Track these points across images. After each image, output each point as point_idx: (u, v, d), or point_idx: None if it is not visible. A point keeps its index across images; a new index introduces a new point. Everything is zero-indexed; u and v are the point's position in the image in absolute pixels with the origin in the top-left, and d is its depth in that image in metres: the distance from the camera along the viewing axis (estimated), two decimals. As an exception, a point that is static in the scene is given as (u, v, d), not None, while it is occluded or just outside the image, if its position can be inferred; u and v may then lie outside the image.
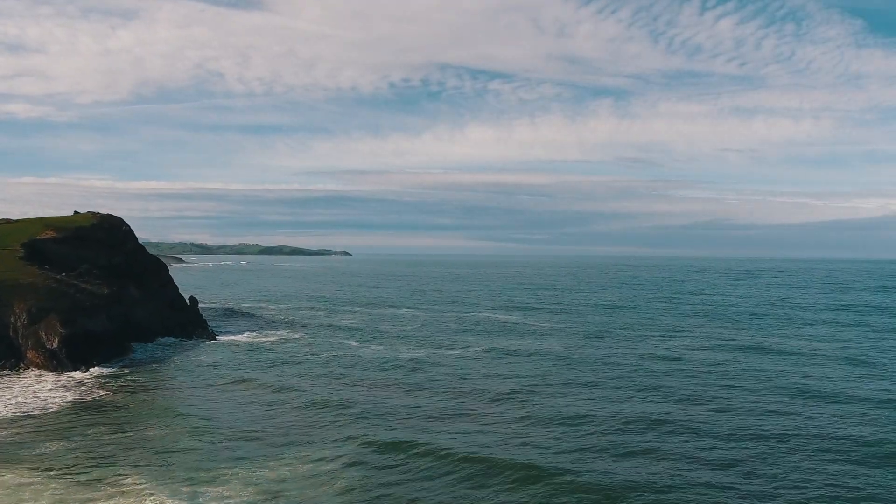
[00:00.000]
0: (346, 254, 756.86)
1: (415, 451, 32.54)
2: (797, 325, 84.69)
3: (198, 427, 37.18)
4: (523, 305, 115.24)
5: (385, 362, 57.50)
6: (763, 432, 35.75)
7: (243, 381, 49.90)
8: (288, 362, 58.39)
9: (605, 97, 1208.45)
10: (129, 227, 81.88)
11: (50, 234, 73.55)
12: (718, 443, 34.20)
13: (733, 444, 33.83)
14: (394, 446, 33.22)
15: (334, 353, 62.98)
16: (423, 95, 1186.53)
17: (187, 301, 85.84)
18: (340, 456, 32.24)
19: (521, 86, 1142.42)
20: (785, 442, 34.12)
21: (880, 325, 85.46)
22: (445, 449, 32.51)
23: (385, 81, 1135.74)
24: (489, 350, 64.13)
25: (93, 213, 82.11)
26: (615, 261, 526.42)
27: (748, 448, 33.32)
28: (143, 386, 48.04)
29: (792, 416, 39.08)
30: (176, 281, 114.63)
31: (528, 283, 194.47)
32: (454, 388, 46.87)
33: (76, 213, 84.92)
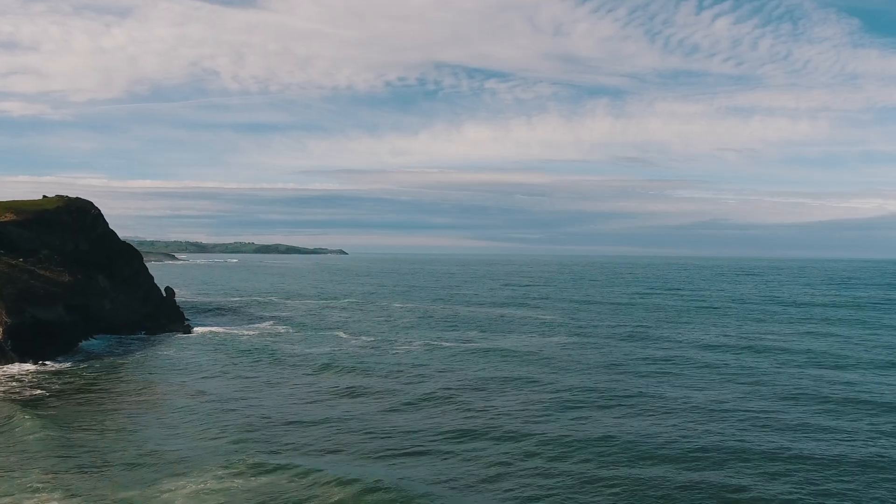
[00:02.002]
0: (342, 252, 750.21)
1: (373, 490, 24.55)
2: (814, 324, 78.93)
3: (141, 434, 31.25)
4: (519, 302, 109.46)
5: (366, 361, 50.74)
6: (825, 456, 29.78)
7: (206, 379, 43.71)
8: (262, 359, 51.82)
9: (601, 96, 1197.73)
10: (98, 211, 75.83)
11: (9, 216, 67.45)
12: (773, 468, 28.26)
13: (795, 473, 27.85)
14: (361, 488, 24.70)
15: (315, 349, 56.91)
16: (419, 94, 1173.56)
17: (163, 292, 79.88)
18: (293, 477, 26.18)
19: (518, 85, 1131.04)
20: (863, 469, 27.79)
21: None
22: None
23: (381, 80, 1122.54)
24: (484, 350, 57.91)
25: (60, 197, 76.03)
26: (613, 260, 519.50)
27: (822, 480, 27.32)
28: (91, 383, 41.95)
29: (849, 434, 33.12)
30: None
31: (525, 281, 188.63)
32: (438, 396, 38.99)
33: (45, 196, 78.97)
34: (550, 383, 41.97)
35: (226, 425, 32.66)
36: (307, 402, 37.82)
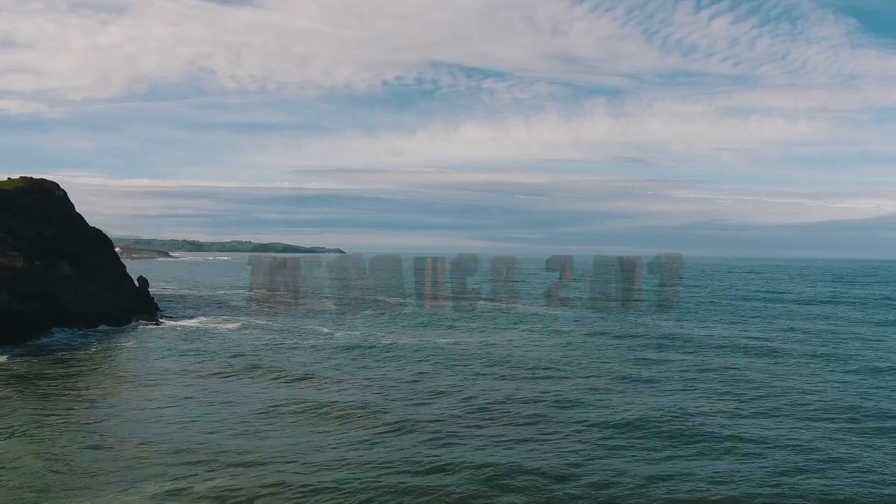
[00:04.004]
0: (340, 251, 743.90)
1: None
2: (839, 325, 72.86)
3: (67, 442, 25.17)
4: (520, 298, 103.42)
5: (344, 367, 43.57)
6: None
7: (153, 385, 36.77)
8: (228, 359, 44.43)
9: (599, 96, 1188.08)
10: (64, 193, 69.67)
11: (-39, 197, 61.28)
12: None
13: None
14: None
15: (292, 348, 50.06)
16: (417, 94, 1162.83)
17: (136, 282, 73.72)
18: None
19: (515, 84, 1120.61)
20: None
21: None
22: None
23: (379, 79, 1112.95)
24: (484, 352, 51.73)
25: (23, 178, 69.84)
26: (611, 260, 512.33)
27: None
28: (25, 380, 35.78)
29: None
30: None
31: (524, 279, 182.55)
32: (426, 419, 30.52)
33: (9, 178, 72.81)
34: (565, 394, 35.80)
35: (146, 449, 25.86)
36: (258, 421, 29.11)
